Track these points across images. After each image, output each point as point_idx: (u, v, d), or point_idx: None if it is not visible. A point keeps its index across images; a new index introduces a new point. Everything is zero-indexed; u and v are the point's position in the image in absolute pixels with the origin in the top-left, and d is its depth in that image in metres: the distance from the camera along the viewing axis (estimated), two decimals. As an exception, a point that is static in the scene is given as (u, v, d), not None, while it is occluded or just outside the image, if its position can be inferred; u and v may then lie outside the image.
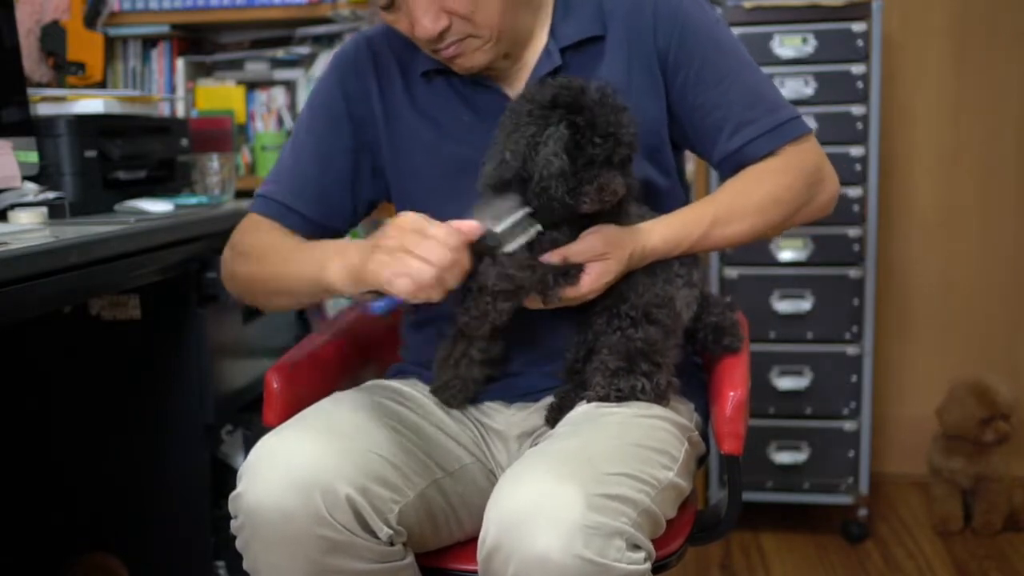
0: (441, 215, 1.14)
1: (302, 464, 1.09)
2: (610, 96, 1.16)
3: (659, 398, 1.23)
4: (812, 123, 2.37)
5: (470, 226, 1.13)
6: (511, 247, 1.14)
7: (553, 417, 1.27)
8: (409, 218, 1.12)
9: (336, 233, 1.39)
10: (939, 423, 2.52)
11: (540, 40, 1.32)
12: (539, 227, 1.16)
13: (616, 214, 1.22)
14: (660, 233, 1.25)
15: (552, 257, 1.18)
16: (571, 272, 1.18)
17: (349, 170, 1.37)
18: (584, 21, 1.31)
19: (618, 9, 1.31)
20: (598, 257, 1.19)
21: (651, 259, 1.25)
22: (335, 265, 1.18)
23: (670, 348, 1.24)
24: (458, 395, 1.30)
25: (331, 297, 1.19)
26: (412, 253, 1.08)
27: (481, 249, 1.13)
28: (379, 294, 1.14)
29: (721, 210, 1.28)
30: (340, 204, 1.38)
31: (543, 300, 1.20)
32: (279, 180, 1.38)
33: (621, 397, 1.21)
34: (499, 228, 1.14)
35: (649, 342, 1.21)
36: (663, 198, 1.32)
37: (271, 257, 1.30)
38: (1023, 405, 2.51)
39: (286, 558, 1.09)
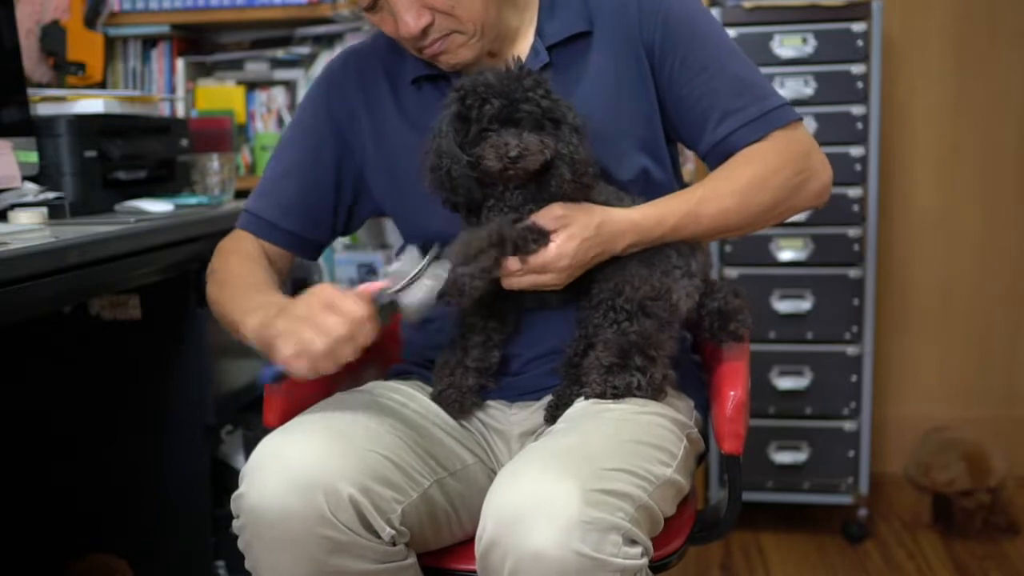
0: (434, 221, 1.14)
1: (304, 464, 1.09)
2: (520, 68, 1.17)
3: (655, 392, 1.23)
4: (812, 123, 2.37)
5: (377, 287, 1.14)
6: (411, 303, 1.15)
7: (552, 415, 1.27)
8: (324, 290, 1.12)
9: (321, 245, 1.43)
10: (920, 473, 2.50)
11: (527, 38, 1.32)
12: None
13: (557, 190, 1.19)
14: (641, 209, 1.24)
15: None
16: (538, 234, 1.18)
17: (333, 185, 1.38)
18: (570, 18, 1.31)
19: (604, 4, 1.31)
20: (557, 220, 1.18)
21: (633, 236, 1.22)
22: (254, 319, 1.18)
23: (665, 341, 1.24)
24: (454, 404, 1.30)
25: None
26: (311, 322, 1.09)
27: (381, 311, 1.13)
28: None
29: (707, 190, 1.27)
30: (324, 218, 1.40)
31: (521, 260, 1.17)
32: (264, 195, 1.40)
33: (617, 394, 1.21)
34: (393, 289, 1.15)
35: (643, 335, 1.21)
36: (661, 190, 1.32)
37: (228, 287, 1.31)
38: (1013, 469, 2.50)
39: (288, 558, 1.09)
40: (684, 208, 1.25)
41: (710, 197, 1.26)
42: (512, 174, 1.17)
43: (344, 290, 1.12)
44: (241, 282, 1.31)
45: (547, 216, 1.19)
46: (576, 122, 1.19)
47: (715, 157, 1.32)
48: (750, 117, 1.28)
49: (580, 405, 1.23)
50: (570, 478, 1.02)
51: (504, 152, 1.14)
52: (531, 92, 1.15)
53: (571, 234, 1.18)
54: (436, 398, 1.31)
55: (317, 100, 1.40)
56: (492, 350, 1.29)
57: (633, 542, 1.03)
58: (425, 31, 1.22)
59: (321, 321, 1.09)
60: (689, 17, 1.31)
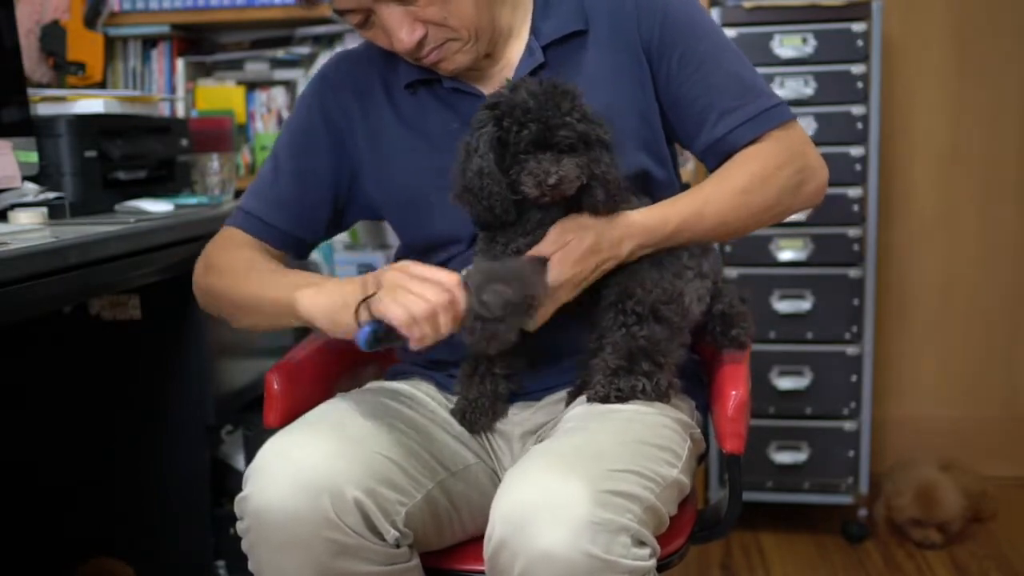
0: (430, 225, 1.14)
1: (310, 467, 1.09)
2: (554, 86, 1.16)
3: (659, 398, 1.23)
4: (812, 123, 2.37)
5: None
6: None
7: (574, 395, 1.28)
8: (409, 265, 1.13)
9: (310, 245, 1.42)
10: (884, 499, 2.51)
11: (521, 38, 1.31)
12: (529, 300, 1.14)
13: (590, 210, 1.19)
14: (644, 210, 1.24)
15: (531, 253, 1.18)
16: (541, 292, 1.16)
17: (329, 188, 1.38)
18: (564, 17, 1.30)
19: (600, 3, 1.30)
20: (556, 245, 1.18)
21: (637, 239, 1.22)
22: (309, 293, 1.18)
23: (674, 349, 1.23)
24: (485, 415, 1.29)
25: (298, 323, 1.22)
26: (409, 290, 1.09)
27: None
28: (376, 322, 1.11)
29: (711, 190, 1.27)
30: (317, 217, 1.39)
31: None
32: (259, 196, 1.39)
33: (621, 397, 1.21)
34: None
35: (652, 341, 1.21)
36: (661, 188, 1.32)
37: (248, 275, 1.30)
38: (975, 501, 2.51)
39: (293, 561, 1.09)
40: (689, 209, 1.25)
41: (714, 198, 1.26)
42: (548, 200, 1.16)
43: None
44: (258, 267, 1.31)
45: (547, 242, 1.19)
46: (607, 139, 1.17)
47: (712, 156, 1.32)
48: (748, 116, 1.28)
49: (585, 406, 1.23)
50: (579, 479, 1.02)
51: (543, 179, 1.13)
52: (568, 116, 1.14)
53: (566, 253, 1.18)
54: (465, 408, 1.29)
55: (311, 101, 1.39)
56: (519, 356, 1.28)
57: (641, 543, 1.03)
58: (420, 43, 1.22)
59: (418, 289, 1.09)
60: (687, 16, 1.31)
